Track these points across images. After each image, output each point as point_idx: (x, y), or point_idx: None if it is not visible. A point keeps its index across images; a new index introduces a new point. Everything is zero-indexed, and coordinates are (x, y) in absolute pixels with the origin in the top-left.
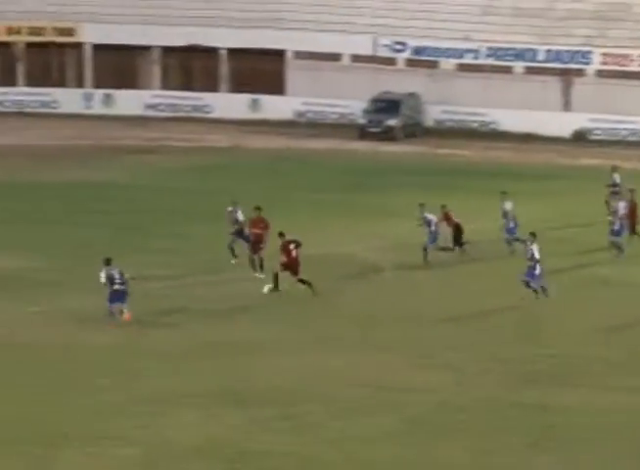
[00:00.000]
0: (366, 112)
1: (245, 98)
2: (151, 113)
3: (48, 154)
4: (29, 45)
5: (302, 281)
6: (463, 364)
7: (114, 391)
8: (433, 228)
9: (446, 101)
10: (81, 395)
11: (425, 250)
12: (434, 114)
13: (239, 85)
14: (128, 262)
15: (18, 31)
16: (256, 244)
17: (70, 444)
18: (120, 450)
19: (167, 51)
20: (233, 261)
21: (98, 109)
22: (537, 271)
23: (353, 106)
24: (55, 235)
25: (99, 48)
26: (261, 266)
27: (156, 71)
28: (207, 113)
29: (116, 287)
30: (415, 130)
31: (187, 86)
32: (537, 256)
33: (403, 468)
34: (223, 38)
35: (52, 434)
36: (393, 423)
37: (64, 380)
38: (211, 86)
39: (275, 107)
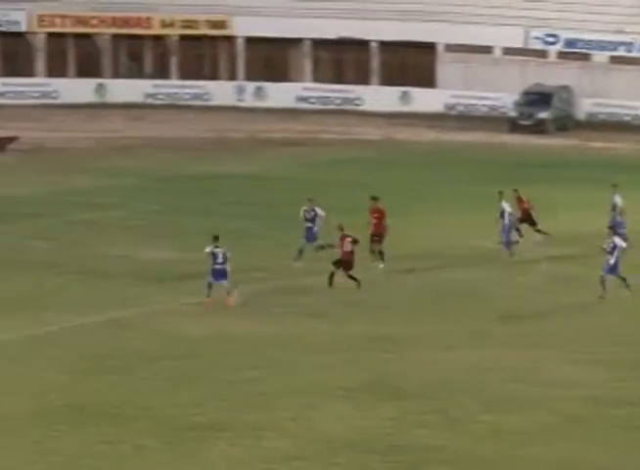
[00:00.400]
0: (517, 104)
1: (395, 91)
2: (302, 105)
3: (200, 146)
4: (183, 38)
5: (352, 277)
6: (616, 359)
7: (265, 382)
8: (506, 221)
9: (599, 94)
10: (232, 386)
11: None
12: (585, 107)
13: (389, 78)
14: (276, 254)
15: (171, 24)
16: (375, 234)
17: (220, 435)
18: (271, 442)
19: (318, 44)
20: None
21: (250, 101)
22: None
23: (504, 99)
24: (207, 227)
25: (251, 41)
26: (381, 256)
27: (307, 64)
28: (358, 105)
29: (217, 266)
30: (566, 123)
31: (338, 79)
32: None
33: (559, 465)
34: (374, 31)
35: (203, 425)
36: (547, 418)
37: (215, 371)
38: (362, 79)
39: (425, 100)
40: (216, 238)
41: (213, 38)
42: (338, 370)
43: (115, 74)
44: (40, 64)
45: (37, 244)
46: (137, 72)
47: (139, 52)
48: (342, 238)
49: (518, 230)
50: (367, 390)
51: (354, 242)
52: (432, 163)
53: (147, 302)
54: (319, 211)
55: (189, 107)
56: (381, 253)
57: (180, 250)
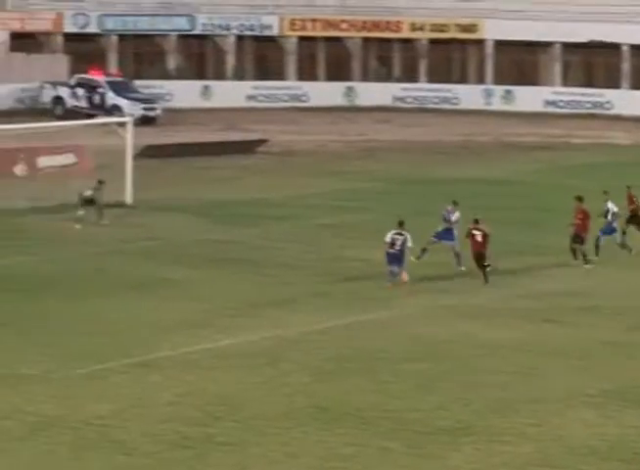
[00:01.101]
0: None
1: None
2: (550, 109)
3: (447, 149)
4: (432, 41)
5: (484, 271)
6: None
7: (508, 387)
8: (609, 218)
9: None
10: (475, 390)
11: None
12: None
13: None
14: (522, 260)
15: (421, 28)
16: (577, 235)
17: (465, 439)
18: (515, 447)
19: (569, 47)
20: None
21: (497, 105)
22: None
23: None
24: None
25: (500, 44)
26: (584, 257)
27: (556, 68)
28: (608, 109)
29: (392, 251)
30: None
31: (588, 83)
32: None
33: None
34: (625, 34)
35: (447, 429)
36: None
37: (458, 374)
38: (613, 83)
39: None
40: (401, 223)
41: (463, 42)
42: (579, 376)
43: (365, 78)
44: (291, 67)
45: (285, 246)
46: (386, 76)
47: (388, 55)
48: (469, 230)
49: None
50: (611, 396)
51: (485, 235)
52: None
53: (389, 304)
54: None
55: (437, 110)
56: (584, 255)
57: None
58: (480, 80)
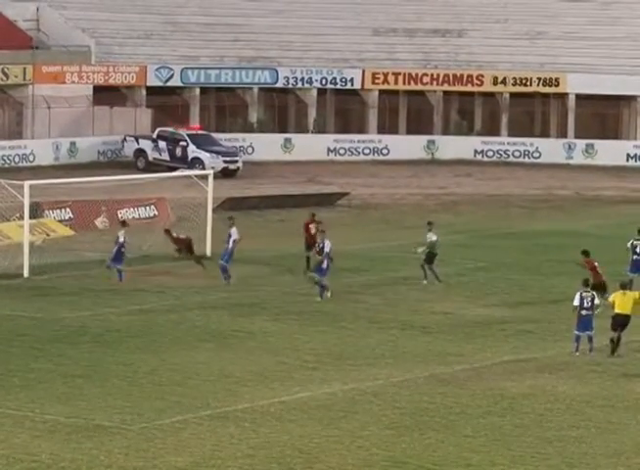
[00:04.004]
0: None
1: None
2: (632, 163)
3: (527, 203)
4: (513, 95)
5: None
6: None
7: (588, 442)
8: None
9: None
10: (554, 444)
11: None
12: None
13: None
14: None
15: (503, 82)
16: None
17: None
18: None
19: None
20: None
21: (579, 159)
22: None
23: None
24: (522, 284)
25: (582, 98)
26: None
27: (639, 121)
28: None
29: (584, 312)
30: None
31: None
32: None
33: None
34: None
35: None
36: None
37: (536, 429)
38: None
39: None
40: (587, 282)
41: (544, 95)
42: None
43: (446, 131)
44: (372, 120)
45: (364, 299)
46: (467, 129)
47: (469, 109)
48: (589, 262)
49: None
50: None
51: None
52: None
53: (469, 358)
54: None
55: (517, 164)
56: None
57: (505, 307)
58: (562, 134)
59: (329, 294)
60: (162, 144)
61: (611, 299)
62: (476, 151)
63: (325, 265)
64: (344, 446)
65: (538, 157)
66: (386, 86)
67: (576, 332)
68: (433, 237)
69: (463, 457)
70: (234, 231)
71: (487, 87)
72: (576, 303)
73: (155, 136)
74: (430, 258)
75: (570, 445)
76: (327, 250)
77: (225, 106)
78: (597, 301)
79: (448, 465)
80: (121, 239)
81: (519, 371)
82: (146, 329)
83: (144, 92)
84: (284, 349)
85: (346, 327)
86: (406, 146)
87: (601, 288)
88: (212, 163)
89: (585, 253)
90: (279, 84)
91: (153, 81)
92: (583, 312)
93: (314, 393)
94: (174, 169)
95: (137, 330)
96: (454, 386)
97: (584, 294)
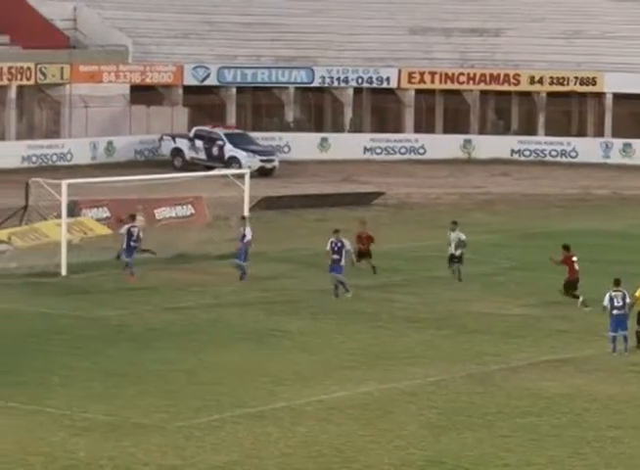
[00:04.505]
0: None
1: None
2: None
3: (563, 203)
4: (550, 94)
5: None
6: None
7: (626, 443)
8: None
9: None
10: (592, 445)
11: None
12: None
13: None
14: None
15: (540, 81)
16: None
17: None
18: None
19: None
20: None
21: (616, 158)
22: None
23: None
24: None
25: (619, 97)
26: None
27: None
28: None
29: (615, 312)
30: None
31: None
32: None
33: None
34: None
35: None
36: None
37: (573, 429)
38: None
39: None
40: (617, 281)
41: (582, 95)
42: None
43: (482, 130)
44: (408, 120)
45: (400, 298)
46: (503, 129)
47: (506, 108)
48: (567, 259)
49: None
50: None
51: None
52: None
53: (506, 358)
54: None
55: (554, 163)
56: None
57: (542, 306)
58: (599, 133)
59: (336, 296)
60: (199, 143)
61: (637, 293)
62: (512, 150)
63: (342, 263)
64: (382, 445)
65: (575, 156)
66: (422, 85)
67: (611, 333)
68: (462, 236)
69: (500, 457)
70: (248, 230)
71: (524, 86)
72: (606, 303)
73: (191, 135)
74: (452, 257)
75: (607, 445)
76: (347, 248)
77: (262, 105)
78: (628, 299)
79: (485, 465)
80: (122, 230)
81: (556, 371)
82: (183, 328)
83: (181, 91)
84: (321, 348)
85: (383, 326)
86: (443, 145)
87: (573, 285)
88: (249, 162)
89: (566, 247)
90: (315, 83)
91: (189, 80)
92: (615, 312)
93: (351, 392)
94: (211, 168)
95: (175, 329)
96: (491, 385)
97: (614, 293)
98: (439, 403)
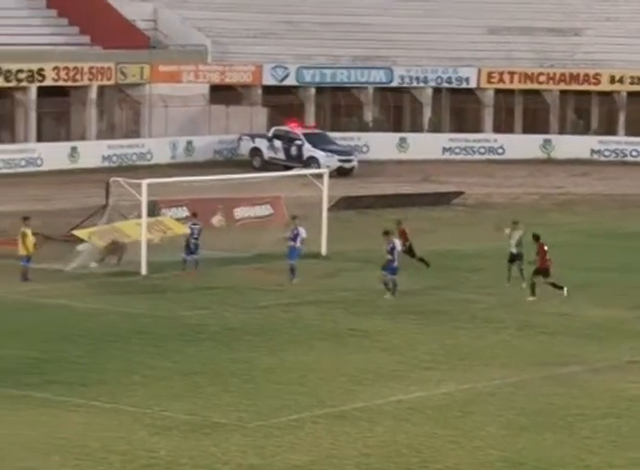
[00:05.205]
0: None
1: None
2: None
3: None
4: (631, 94)
5: (554, 284)
6: None
7: None
8: None
9: None
10: None
11: None
12: None
13: None
14: None
15: (620, 80)
16: (544, 269)
17: None
18: None
19: None
20: None
21: None
22: None
23: None
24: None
25: None
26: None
27: None
28: None
29: None
30: None
31: None
32: None
33: None
34: None
35: None
36: None
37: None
38: None
39: None
40: None
41: None
42: None
43: (562, 130)
44: (487, 119)
45: (478, 298)
46: (583, 129)
47: (586, 108)
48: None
49: None
50: None
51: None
52: None
53: (587, 359)
54: None
55: (635, 163)
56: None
57: (623, 307)
58: None
59: (393, 295)
60: (278, 143)
61: None
62: (592, 150)
63: (395, 264)
64: (461, 446)
65: None
66: (501, 85)
67: None
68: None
69: (580, 459)
70: (302, 230)
71: (604, 86)
72: None
73: (270, 135)
74: (513, 257)
75: None
76: (398, 249)
77: (340, 105)
78: None
79: (565, 466)
80: (188, 230)
81: (638, 372)
82: (262, 327)
83: (260, 91)
84: (400, 348)
85: (462, 327)
86: (522, 145)
87: (546, 273)
88: (327, 161)
89: (536, 237)
90: (394, 83)
91: (268, 80)
92: None
93: (430, 392)
94: (290, 168)
95: (254, 328)
96: (571, 386)
97: None
98: (519, 404)
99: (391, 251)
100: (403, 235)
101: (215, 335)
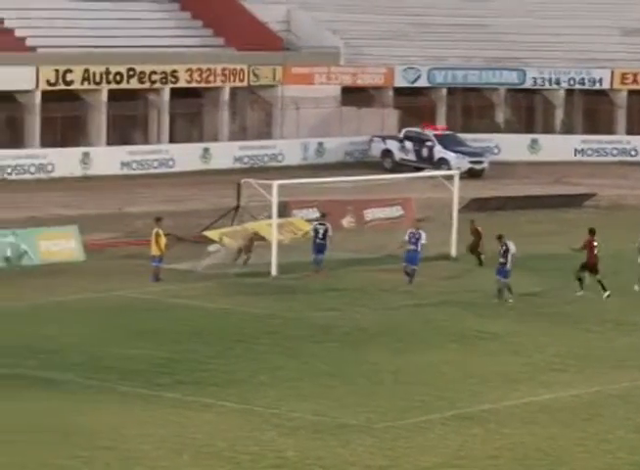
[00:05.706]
0: None
1: None
2: None
3: None
4: None
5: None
6: None
7: None
8: None
9: None
10: None
11: None
12: None
13: None
14: None
15: None
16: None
17: None
18: None
19: None
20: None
21: None
22: None
23: None
24: None
25: None
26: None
27: None
28: None
29: None
30: None
31: None
32: None
33: None
34: None
35: None
36: None
37: None
38: None
39: None
40: None
41: None
42: None
43: None
44: (621, 121)
45: (607, 301)
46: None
47: None
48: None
49: None
50: None
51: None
52: None
53: None
54: None
55: None
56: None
57: None
58: None
59: (510, 299)
60: (409, 144)
61: None
62: None
63: (509, 267)
64: (589, 449)
65: None
66: (635, 86)
67: None
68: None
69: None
70: (423, 235)
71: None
72: None
73: (401, 137)
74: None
75: None
76: (512, 251)
77: (472, 106)
78: None
79: None
80: (312, 232)
81: None
82: (391, 329)
83: (391, 93)
84: (528, 350)
85: (591, 329)
86: None
87: (593, 268)
88: (458, 163)
89: (591, 231)
90: (526, 85)
91: (400, 82)
92: None
93: (559, 394)
94: (420, 170)
95: (383, 329)
96: None
97: None
98: None
99: (504, 254)
100: (476, 234)
101: (344, 336)
